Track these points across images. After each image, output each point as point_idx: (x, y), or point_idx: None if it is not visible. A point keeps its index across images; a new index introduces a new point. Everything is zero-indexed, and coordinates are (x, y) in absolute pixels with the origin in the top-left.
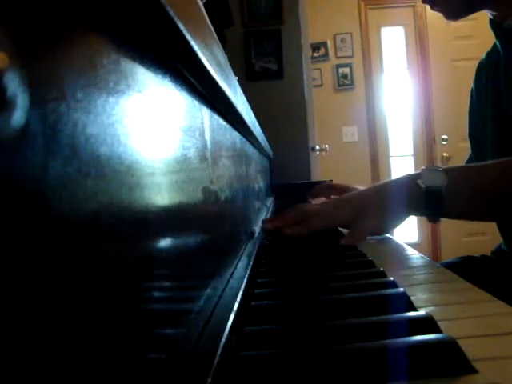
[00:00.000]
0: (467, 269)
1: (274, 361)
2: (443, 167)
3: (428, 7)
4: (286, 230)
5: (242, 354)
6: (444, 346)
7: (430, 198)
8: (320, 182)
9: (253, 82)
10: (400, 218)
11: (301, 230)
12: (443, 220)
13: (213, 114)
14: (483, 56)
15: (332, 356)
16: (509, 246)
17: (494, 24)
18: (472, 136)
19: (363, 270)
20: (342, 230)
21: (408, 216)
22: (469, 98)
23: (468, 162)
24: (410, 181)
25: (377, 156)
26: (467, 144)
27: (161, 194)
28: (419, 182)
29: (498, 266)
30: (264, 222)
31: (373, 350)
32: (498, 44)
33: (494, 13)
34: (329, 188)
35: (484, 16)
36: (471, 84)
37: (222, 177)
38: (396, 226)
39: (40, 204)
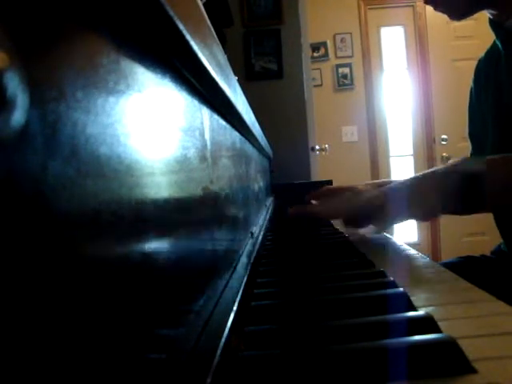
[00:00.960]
0: (467, 269)
1: (274, 361)
2: (483, 157)
3: (428, 7)
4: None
5: (241, 354)
6: (444, 346)
7: (469, 184)
8: (319, 181)
9: (252, 81)
10: (434, 209)
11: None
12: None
13: (212, 113)
14: (482, 55)
15: (332, 356)
16: (509, 247)
17: (494, 24)
18: (472, 135)
19: (363, 270)
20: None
21: (440, 208)
22: (468, 98)
23: None
24: (446, 171)
25: (376, 156)
26: (467, 144)
27: (160, 194)
28: (458, 168)
29: (498, 266)
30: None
31: (373, 350)
32: (498, 44)
33: (494, 12)
34: (329, 192)
35: (484, 16)
36: (471, 83)
37: (221, 177)
38: (429, 216)
39: (39, 204)
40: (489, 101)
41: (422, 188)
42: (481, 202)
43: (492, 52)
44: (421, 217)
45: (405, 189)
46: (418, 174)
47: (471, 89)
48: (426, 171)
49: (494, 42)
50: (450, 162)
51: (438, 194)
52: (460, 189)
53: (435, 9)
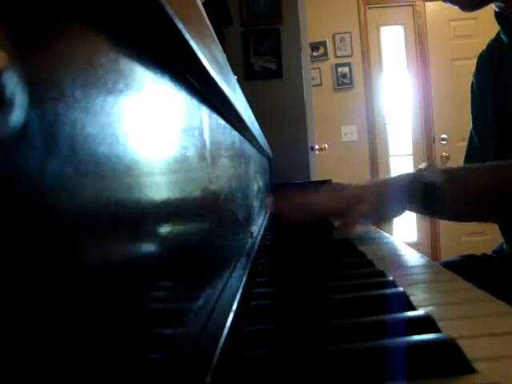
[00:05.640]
0: (469, 268)
1: (273, 361)
2: (444, 167)
3: (428, 5)
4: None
5: (241, 354)
6: (443, 346)
7: (425, 192)
8: (319, 181)
9: (252, 81)
10: (398, 209)
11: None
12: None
13: (212, 113)
14: (483, 48)
15: (331, 356)
16: (511, 248)
17: (500, 17)
18: (475, 130)
19: (363, 269)
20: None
21: (405, 208)
22: (469, 94)
23: (465, 159)
24: (410, 176)
25: (376, 155)
26: (466, 143)
27: (159, 194)
28: (418, 176)
29: (500, 266)
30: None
31: (372, 349)
32: (504, 37)
33: (501, 5)
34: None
35: (484, 15)
36: (471, 80)
37: (221, 176)
38: (394, 216)
39: (38, 203)
40: (490, 94)
41: (391, 189)
42: (441, 209)
43: (494, 45)
44: (384, 215)
45: (381, 187)
46: (395, 175)
47: (472, 83)
48: (402, 174)
49: (497, 35)
50: (420, 167)
51: (402, 197)
52: (422, 196)
53: (444, 0)
